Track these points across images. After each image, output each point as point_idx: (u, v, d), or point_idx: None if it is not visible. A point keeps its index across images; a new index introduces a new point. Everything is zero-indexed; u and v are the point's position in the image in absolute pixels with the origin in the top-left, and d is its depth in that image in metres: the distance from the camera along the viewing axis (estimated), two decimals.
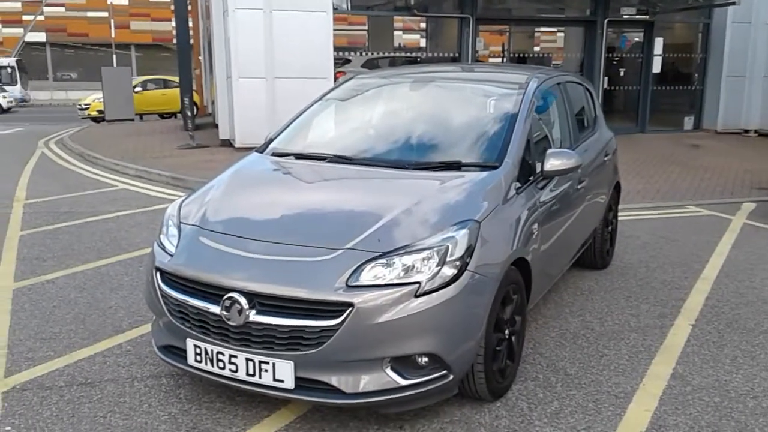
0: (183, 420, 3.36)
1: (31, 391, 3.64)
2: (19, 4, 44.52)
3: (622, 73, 16.05)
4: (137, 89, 23.76)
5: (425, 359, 3.09)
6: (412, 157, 3.96)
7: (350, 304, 2.95)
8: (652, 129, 15.79)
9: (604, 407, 3.52)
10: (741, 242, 6.83)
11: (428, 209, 3.38)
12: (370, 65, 15.28)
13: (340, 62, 14.33)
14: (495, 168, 3.71)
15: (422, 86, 4.85)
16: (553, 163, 3.94)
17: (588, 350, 4.22)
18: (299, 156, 4.19)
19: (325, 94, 4.85)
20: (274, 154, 4.29)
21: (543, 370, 3.93)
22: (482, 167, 3.75)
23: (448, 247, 3.12)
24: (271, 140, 4.48)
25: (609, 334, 4.48)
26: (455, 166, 3.79)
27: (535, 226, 3.79)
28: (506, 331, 3.54)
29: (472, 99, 4.46)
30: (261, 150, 4.41)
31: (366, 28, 18.85)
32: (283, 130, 4.55)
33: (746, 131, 15.68)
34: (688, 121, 16.23)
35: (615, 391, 3.69)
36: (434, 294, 3.04)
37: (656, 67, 15.34)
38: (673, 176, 10.54)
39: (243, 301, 3.03)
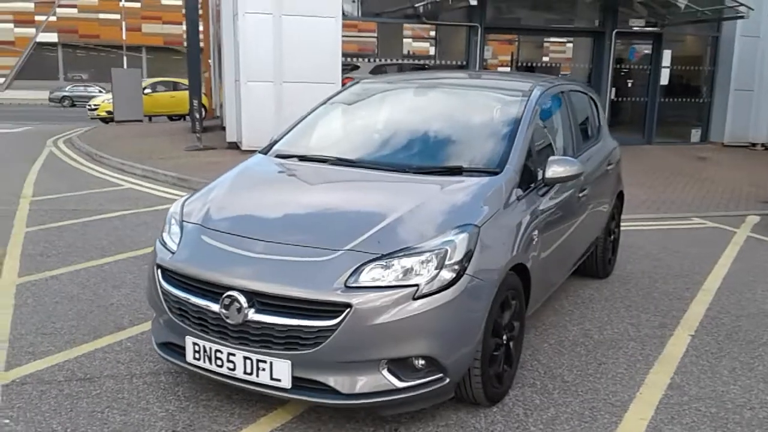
0: (180, 417, 3.38)
1: (30, 384, 3.67)
2: (31, 5, 44.79)
3: (629, 84, 16.06)
4: (146, 91, 23.91)
5: (422, 362, 3.10)
6: (414, 161, 3.98)
7: (348, 305, 2.96)
8: (659, 141, 15.78)
9: (600, 415, 3.52)
10: (744, 255, 6.82)
11: (428, 213, 3.40)
12: (378, 72, 15.34)
13: (349, 68, 14.39)
14: (496, 174, 3.73)
15: (426, 92, 4.88)
16: (555, 170, 3.95)
17: (586, 358, 4.22)
18: (302, 158, 4.22)
19: (330, 98, 4.88)
20: (278, 156, 4.32)
21: (540, 376, 3.94)
22: (484, 173, 3.76)
23: (447, 250, 3.13)
24: (275, 142, 4.51)
25: (608, 342, 4.48)
26: (457, 171, 3.81)
27: (536, 232, 3.81)
28: (504, 337, 3.55)
29: (476, 105, 4.48)
30: (265, 151, 4.44)
31: (376, 35, 18.91)
32: (287, 133, 4.59)
33: (753, 145, 15.67)
34: (695, 134, 16.23)
35: (612, 399, 3.70)
36: (432, 297, 3.05)
37: (664, 79, 15.35)
38: (679, 188, 10.53)
39: (242, 299, 3.06)
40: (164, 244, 3.57)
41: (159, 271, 3.45)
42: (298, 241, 3.26)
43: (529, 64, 18.09)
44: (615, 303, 5.26)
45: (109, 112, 22.81)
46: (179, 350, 3.37)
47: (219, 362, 3.18)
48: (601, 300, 5.32)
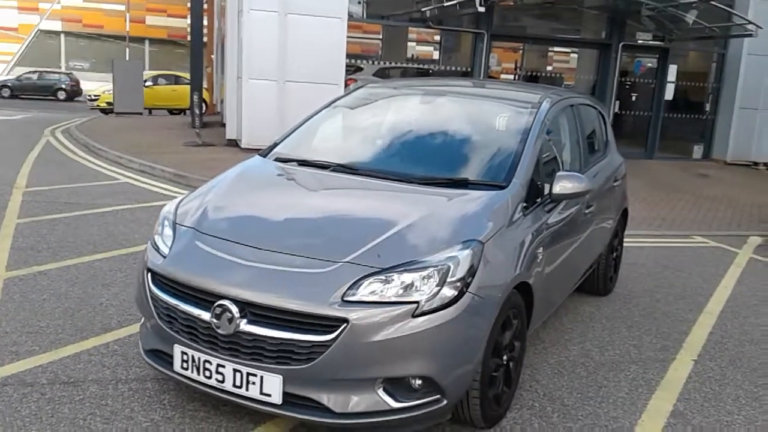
0: (165, 428, 3.25)
1: (11, 387, 3.53)
2: None
3: (633, 98, 15.97)
4: (148, 83, 23.74)
5: (419, 382, 2.97)
6: (418, 171, 3.83)
7: (345, 320, 2.84)
8: (661, 156, 15.69)
9: None
10: (747, 277, 6.71)
11: (431, 226, 3.27)
12: (382, 74, 15.23)
13: (352, 70, 14.28)
14: (502, 188, 3.60)
15: (433, 99, 4.75)
16: (563, 186, 3.83)
17: (587, 380, 4.10)
18: (302, 162, 4.09)
19: (334, 101, 4.76)
20: (277, 159, 4.18)
21: (539, 398, 3.82)
22: (489, 186, 3.64)
23: (449, 266, 3.01)
24: (275, 144, 4.38)
25: (609, 364, 4.36)
26: (462, 183, 3.69)
27: (540, 249, 3.68)
28: (504, 357, 3.42)
29: (483, 116, 4.37)
30: (264, 154, 4.31)
31: (380, 37, 18.78)
32: (289, 135, 4.46)
33: (756, 164, 15.59)
34: (698, 150, 16.15)
35: (612, 426, 3.57)
36: (432, 315, 2.93)
37: (668, 93, 15.28)
38: (680, 205, 10.42)
39: (234, 309, 2.93)
40: (156, 248, 3.43)
41: (149, 274, 3.31)
42: (296, 251, 3.13)
43: (533, 74, 17.98)
44: (616, 322, 5.14)
45: (109, 103, 22.61)
46: (167, 358, 3.24)
47: (207, 373, 3.05)
48: (602, 319, 5.20)
